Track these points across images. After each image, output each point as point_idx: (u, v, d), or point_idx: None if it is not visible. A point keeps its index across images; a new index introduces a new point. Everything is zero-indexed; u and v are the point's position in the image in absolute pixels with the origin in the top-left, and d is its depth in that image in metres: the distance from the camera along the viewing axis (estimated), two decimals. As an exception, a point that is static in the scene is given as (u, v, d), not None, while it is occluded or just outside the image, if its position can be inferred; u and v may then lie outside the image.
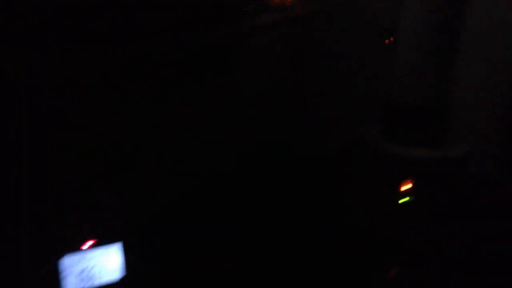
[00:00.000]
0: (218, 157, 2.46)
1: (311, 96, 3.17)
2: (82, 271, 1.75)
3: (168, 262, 1.98)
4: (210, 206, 2.28)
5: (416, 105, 2.56)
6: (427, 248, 2.51)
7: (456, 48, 2.51)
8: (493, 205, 2.83)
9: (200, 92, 2.38)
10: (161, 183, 2.10)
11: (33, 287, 1.78)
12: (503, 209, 2.80)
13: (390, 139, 2.63)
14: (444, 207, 2.62)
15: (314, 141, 2.90)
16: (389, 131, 2.65)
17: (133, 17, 2.09)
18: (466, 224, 2.64)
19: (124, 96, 2.03)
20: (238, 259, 2.22)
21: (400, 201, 2.57)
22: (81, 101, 1.86)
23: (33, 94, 1.76)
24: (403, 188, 2.56)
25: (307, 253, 2.37)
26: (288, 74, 3.04)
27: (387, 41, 3.21)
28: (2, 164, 1.66)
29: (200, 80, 2.34)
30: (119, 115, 1.97)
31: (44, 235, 1.75)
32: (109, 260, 1.77)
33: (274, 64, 2.84)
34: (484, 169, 3.05)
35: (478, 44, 2.93)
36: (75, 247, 1.75)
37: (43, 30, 1.78)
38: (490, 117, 2.98)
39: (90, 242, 1.76)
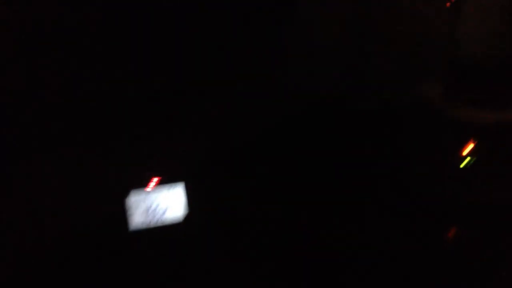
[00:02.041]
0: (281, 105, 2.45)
1: (372, 54, 3.10)
2: (148, 208, 1.80)
3: (231, 203, 2.00)
4: (274, 151, 2.28)
5: (482, 64, 2.46)
6: (488, 211, 2.44)
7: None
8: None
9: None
10: (227, 124, 2.11)
11: (100, 223, 1.83)
12: None
13: (453, 100, 2.55)
14: (507, 170, 2.53)
15: (374, 98, 2.85)
16: (452, 91, 2.57)
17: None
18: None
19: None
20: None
21: (462, 165, 2.50)
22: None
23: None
24: (465, 151, 2.49)
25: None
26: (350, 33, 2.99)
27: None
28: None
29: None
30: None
31: (110, 171, 1.80)
32: (173, 199, 1.81)
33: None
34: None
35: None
36: (141, 185, 1.79)
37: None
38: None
39: (155, 180, 1.80)
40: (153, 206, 1.78)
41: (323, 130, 2.79)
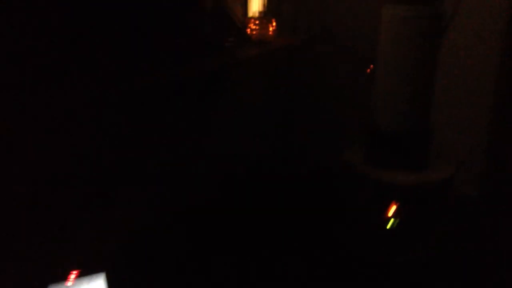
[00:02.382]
0: (201, 180, 2.49)
1: (296, 123, 3.24)
2: (67, 302, 1.74)
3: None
4: (194, 230, 2.29)
5: (398, 131, 2.61)
6: (415, 267, 2.53)
7: (434, 73, 2.59)
8: (476, 224, 2.88)
9: (188, 119, 2.42)
10: (143, 209, 2.12)
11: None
12: (486, 228, 2.84)
13: (374, 164, 2.67)
14: (430, 228, 2.65)
15: (300, 165, 2.96)
16: (373, 156, 2.69)
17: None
18: (452, 243, 2.67)
19: (115, 128, 2.06)
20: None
21: (388, 226, 2.59)
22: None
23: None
24: (389, 212, 2.59)
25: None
26: (273, 103, 3.11)
27: (368, 69, 3.30)
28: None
29: (187, 110, 2.38)
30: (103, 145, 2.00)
31: (28, 265, 1.75)
32: (93, 291, 1.77)
33: (259, 92, 2.91)
34: (468, 189, 3.10)
35: (455, 69, 3.03)
36: (59, 278, 1.75)
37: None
38: (472, 138, 3.05)
39: (74, 273, 1.76)
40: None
41: (256, 195, 2.85)
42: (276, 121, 3.11)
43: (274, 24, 3.09)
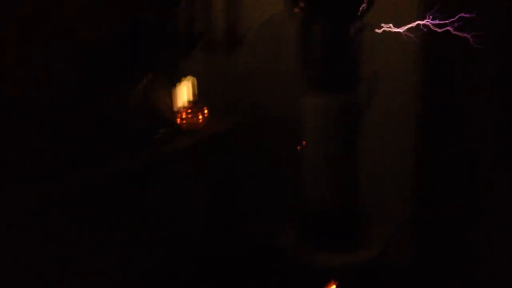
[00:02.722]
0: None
1: (232, 204, 3.27)
2: None
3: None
4: None
5: (327, 212, 2.70)
6: None
7: (357, 155, 2.72)
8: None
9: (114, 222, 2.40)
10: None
11: None
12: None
13: (306, 246, 2.73)
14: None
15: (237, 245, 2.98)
16: (305, 238, 2.76)
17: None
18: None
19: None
20: None
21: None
22: None
23: None
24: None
25: None
26: (207, 188, 3.14)
27: (299, 146, 3.37)
28: None
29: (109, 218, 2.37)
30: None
31: None
32: None
33: (190, 185, 2.94)
34: (400, 259, 3.19)
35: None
36: None
37: None
38: (398, 212, 3.19)
39: None
40: None
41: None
42: (210, 205, 3.13)
43: (205, 111, 3.17)
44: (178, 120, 3.04)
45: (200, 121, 3.13)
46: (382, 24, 2.57)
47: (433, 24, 2.53)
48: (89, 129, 2.41)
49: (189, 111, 3.10)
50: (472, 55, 2.70)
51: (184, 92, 3.14)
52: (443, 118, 3.40)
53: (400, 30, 2.57)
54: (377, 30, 2.61)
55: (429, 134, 3.27)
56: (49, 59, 2.28)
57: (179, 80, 3.11)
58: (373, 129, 3.34)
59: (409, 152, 3.27)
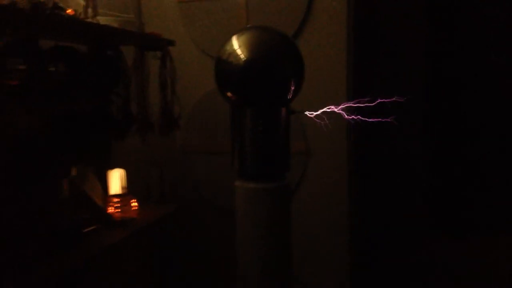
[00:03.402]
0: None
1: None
2: None
3: None
4: None
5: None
6: None
7: (289, 237, 2.74)
8: None
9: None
10: None
11: None
12: None
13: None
14: None
15: None
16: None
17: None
18: None
19: None
20: None
21: None
22: None
23: None
24: None
25: None
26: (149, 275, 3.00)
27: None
28: None
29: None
30: None
31: None
32: None
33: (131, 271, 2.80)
34: None
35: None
36: None
37: None
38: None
39: None
40: None
41: None
42: None
43: (135, 203, 3.09)
44: (110, 211, 2.92)
45: (133, 209, 3.03)
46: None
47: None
48: (13, 230, 2.26)
49: (121, 200, 2.99)
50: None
51: (115, 181, 3.05)
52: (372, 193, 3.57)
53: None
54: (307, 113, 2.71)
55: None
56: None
57: (110, 169, 3.03)
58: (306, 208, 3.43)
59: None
